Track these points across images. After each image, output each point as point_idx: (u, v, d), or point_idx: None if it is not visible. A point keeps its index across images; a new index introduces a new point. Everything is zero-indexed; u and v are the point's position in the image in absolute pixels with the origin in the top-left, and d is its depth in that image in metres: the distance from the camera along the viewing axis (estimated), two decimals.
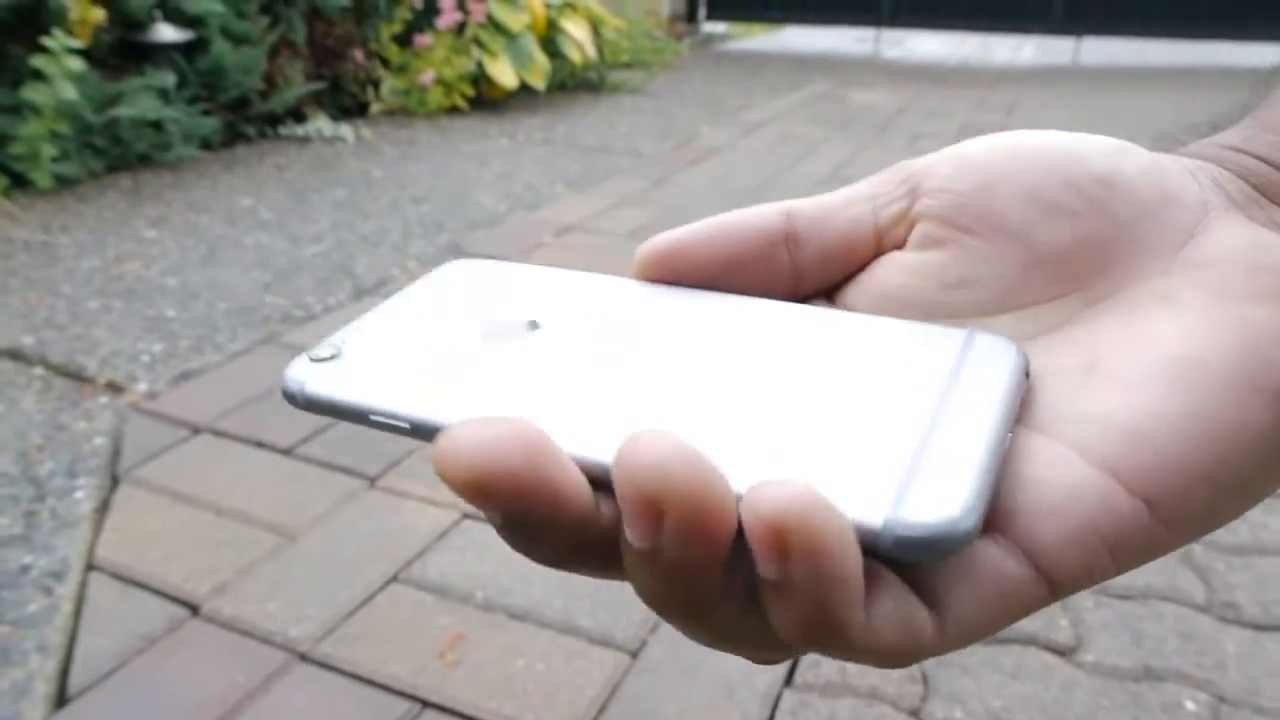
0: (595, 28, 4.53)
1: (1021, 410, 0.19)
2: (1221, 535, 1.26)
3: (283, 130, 3.40)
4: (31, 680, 0.99)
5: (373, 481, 1.36)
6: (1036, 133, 0.23)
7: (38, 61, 2.51)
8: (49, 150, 2.57)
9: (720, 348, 0.21)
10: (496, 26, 3.91)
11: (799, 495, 0.15)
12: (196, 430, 1.48)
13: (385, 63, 3.89)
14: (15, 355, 1.72)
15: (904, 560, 0.17)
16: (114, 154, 2.83)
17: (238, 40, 3.18)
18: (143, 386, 1.62)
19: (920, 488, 0.17)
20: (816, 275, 0.24)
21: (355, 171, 3.02)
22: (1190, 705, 0.99)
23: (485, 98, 4.03)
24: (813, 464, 0.17)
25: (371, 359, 0.22)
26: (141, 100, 2.79)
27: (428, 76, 3.80)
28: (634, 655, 1.05)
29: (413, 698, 0.99)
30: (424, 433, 0.19)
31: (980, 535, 0.17)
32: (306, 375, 0.21)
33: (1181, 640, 1.08)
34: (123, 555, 1.19)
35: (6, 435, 1.46)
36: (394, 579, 1.16)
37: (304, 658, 1.04)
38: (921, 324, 0.21)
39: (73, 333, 1.82)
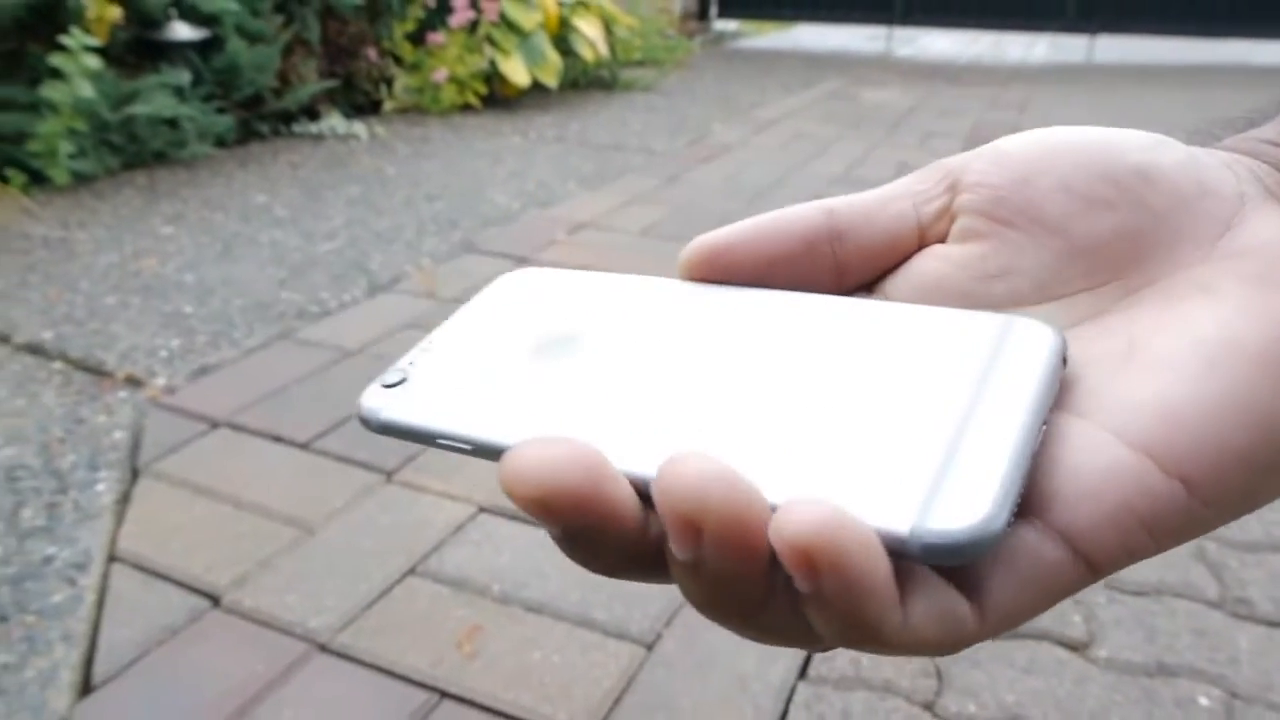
0: (607, 26, 4.54)
1: (1060, 394, 0.20)
2: (1234, 532, 1.26)
3: (297, 128, 3.42)
4: (57, 669, 1.01)
5: (390, 476, 1.37)
6: (1073, 128, 0.24)
7: (55, 60, 2.53)
8: (66, 147, 2.60)
9: (763, 348, 0.22)
10: (509, 24, 3.93)
11: (824, 517, 0.16)
12: (215, 424, 1.50)
13: (398, 61, 3.90)
14: (35, 350, 1.74)
15: (934, 565, 0.17)
16: (130, 151, 2.86)
17: (252, 38, 3.20)
18: (161, 381, 1.64)
19: (948, 490, 0.17)
20: (860, 270, 0.24)
21: (369, 169, 3.04)
22: (1204, 701, 1.00)
23: (498, 95, 4.05)
24: (844, 470, 0.18)
25: (435, 381, 0.23)
26: (157, 98, 2.82)
27: (441, 74, 3.82)
28: (649, 648, 1.06)
29: (431, 688, 1.00)
30: (487, 453, 0.21)
31: (1017, 520, 0.18)
32: (378, 402, 0.23)
33: (1194, 636, 1.08)
34: (144, 547, 1.21)
35: (28, 428, 1.48)
36: (411, 572, 1.17)
37: (323, 648, 1.05)
38: (961, 311, 0.22)
39: (91, 328, 1.84)
